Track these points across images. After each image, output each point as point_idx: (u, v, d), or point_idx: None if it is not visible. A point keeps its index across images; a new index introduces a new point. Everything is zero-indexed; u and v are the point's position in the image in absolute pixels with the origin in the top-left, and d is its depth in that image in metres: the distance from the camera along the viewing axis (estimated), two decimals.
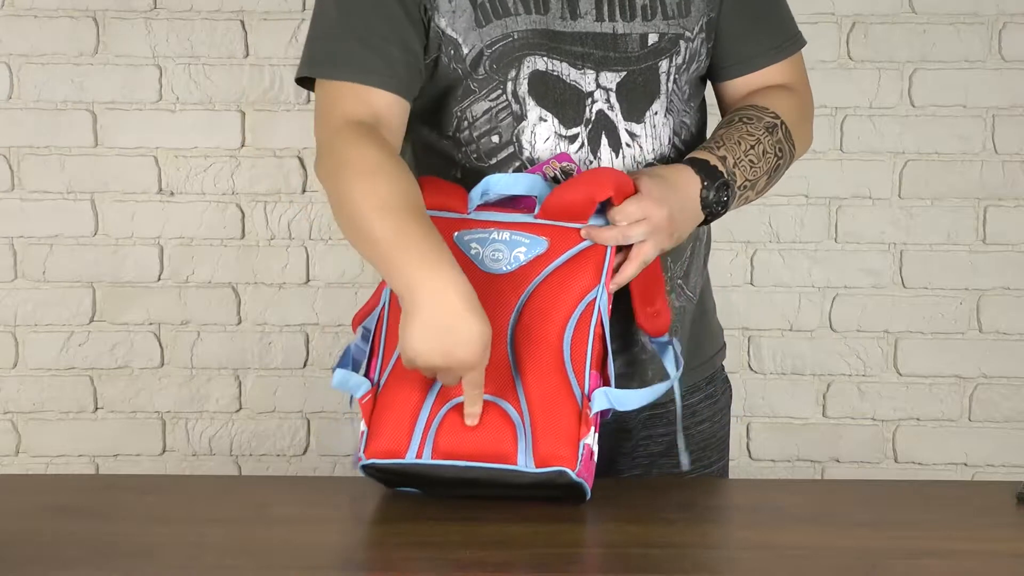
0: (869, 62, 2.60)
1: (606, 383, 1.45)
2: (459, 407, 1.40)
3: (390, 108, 1.52)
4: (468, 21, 1.54)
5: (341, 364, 1.48)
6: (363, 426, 1.43)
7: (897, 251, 2.64)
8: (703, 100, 1.69)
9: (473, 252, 1.46)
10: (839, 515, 1.45)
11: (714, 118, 1.69)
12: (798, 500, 1.52)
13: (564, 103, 1.56)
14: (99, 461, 2.70)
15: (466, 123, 1.57)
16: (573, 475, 1.39)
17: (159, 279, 2.65)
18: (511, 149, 1.57)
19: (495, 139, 1.57)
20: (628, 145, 1.58)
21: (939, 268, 2.64)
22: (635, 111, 1.58)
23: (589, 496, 1.43)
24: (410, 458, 1.40)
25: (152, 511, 1.46)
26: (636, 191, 1.47)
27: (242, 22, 2.59)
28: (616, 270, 1.47)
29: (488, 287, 1.43)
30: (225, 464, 2.70)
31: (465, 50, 1.55)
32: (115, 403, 2.68)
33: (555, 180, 1.53)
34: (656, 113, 1.59)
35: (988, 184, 2.62)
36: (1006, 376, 2.66)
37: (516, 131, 1.56)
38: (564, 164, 1.55)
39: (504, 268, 1.46)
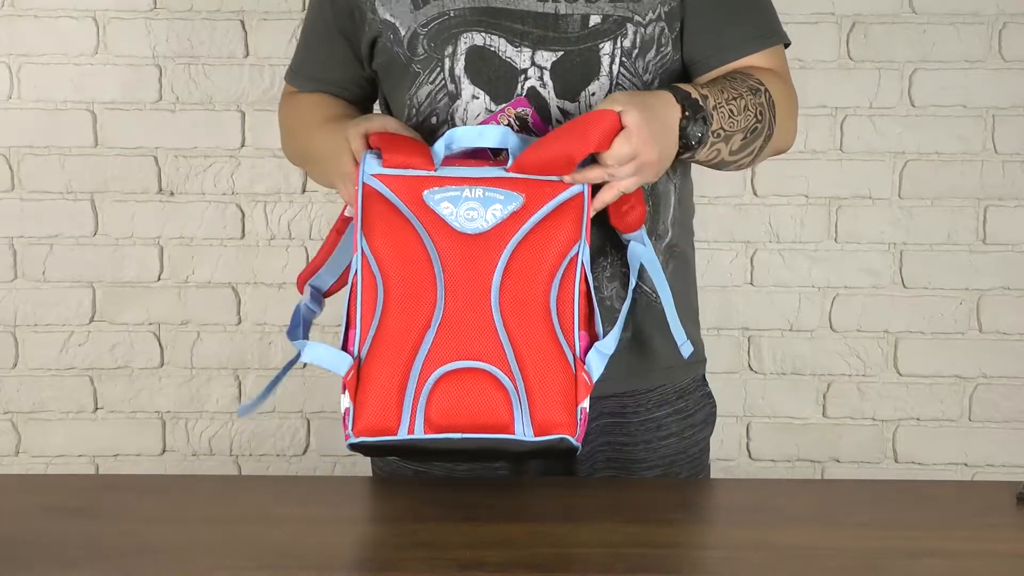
0: (869, 62, 2.60)
1: (593, 340, 1.41)
2: (448, 375, 1.37)
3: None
4: (405, 5, 1.58)
5: (292, 326, 1.45)
6: (347, 402, 1.39)
7: (897, 251, 2.64)
8: None
9: (446, 212, 1.41)
10: (839, 515, 1.45)
11: None
12: (798, 500, 1.52)
13: (497, 79, 1.56)
14: (99, 461, 2.70)
15: (414, 110, 1.60)
16: (573, 441, 1.38)
17: (159, 279, 2.65)
18: (446, 128, 1.57)
19: (433, 120, 1.58)
20: (559, 121, 1.56)
21: (939, 268, 2.64)
22: (569, 90, 1.57)
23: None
24: (402, 434, 1.37)
25: (152, 511, 1.46)
26: (622, 126, 1.40)
27: (242, 22, 2.59)
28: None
29: (465, 248, 1.40)
30: (225, 464, 2.70)
31: (402, 32, 1.58)
32: (115, 403, 2.68)
33: (510, 127, 1.51)
34: (594, 94, 1.57)
35: (988, 184, 2.62)
36: (1006, 376, 2.66)
37: (451, 110, 1.57)
38: (519, 110, 1.53)
39: (480, 227, 1.40)
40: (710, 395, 1.73)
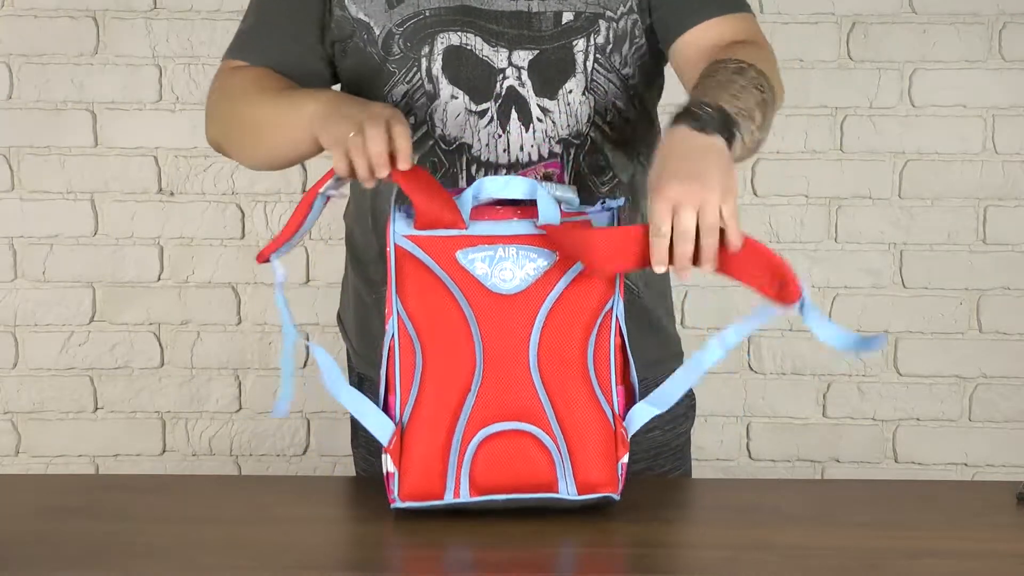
0: (869, 62, 2.60)
1: (629, 392, 1.42)
2: (491, 438, 1.37)
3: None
4: (379, 4, 1.57)
5: (287, 321, 1.48)
6: (391, 467, 1.39)
7: (897, 251, 2.64)
8: (657, 90, 1.67)
9: (480, 272, 1.39)
10: (839, 515, 1.45)
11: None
12: (798, 500, 1.52)
13: (475, 79, 1.56)
14: (99, 461, 2.70)
15: None
16: (616, 498, 1.39)
17: (159, 279, 2.65)
18: (424, 128, 1.57)
19: (411, 120, 1.57)
20: (539, 120, 1.57)
21: (939, 268, 2.64)
22: (548, 87, 1.57)
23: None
24: (448, 498, 1.37)
25: (152, 511, 1.46)
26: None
27: None
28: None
29: (501, 309, 1.39)
30: (225, 464, 2.70)
31: (376, 31, 1.57)
32: (115, 403, 2.68)
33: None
34: (571, 91, 1.58)
35: (988, 184, 2.62)
36: (1006, 376, 2.66)
37: (429, 110, 1.57)
38: (548, 170, 1.54)
39: (516, 287, 1.39)
40: (690, 391, 1.73)
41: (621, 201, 1.44)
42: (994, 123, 2.60)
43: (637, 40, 1.60)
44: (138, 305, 2.65)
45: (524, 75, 1.57)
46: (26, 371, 2.67)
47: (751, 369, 2.67)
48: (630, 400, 1.43)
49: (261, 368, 2.67)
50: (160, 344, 2.67)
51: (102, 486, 1.65)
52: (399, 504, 1.39)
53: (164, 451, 2.70)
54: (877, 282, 2.65)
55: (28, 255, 2.64)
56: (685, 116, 1.36)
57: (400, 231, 1.41)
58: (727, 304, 2.64)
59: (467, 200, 1.41)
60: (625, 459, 1.40)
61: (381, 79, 1.59)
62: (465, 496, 1.37)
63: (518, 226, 1.41)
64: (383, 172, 1.37)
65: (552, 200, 1.40)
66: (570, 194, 1.43)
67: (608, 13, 1.58)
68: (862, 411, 2.68)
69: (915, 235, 2.63)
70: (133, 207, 2.63)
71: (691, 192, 1.31)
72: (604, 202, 1.44)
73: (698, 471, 1.84)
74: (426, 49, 1.57)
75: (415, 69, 1.57)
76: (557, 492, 1.37)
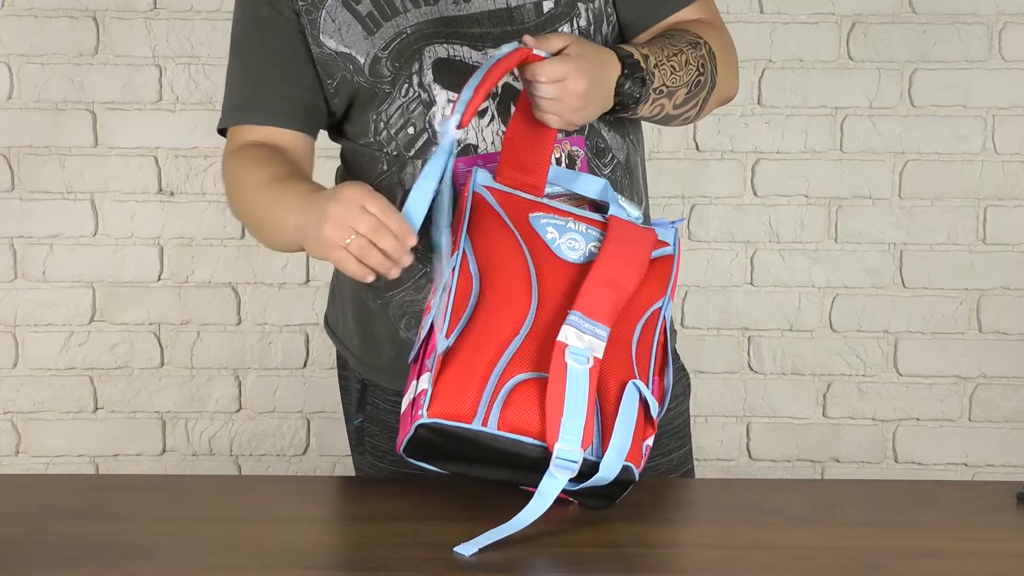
0: (869, 62, 2.60)
1: (662, 389, 1.44)
2: (529, 382, 1.36)
3: (287, 139, 1.60)
4: (357, 33, 1.57)
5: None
6: (425, 384, 1.37)
7: (897, 251, 2.64)
8: None
9: (549, 237, 1.44)
10: (839, 515, 1.45)
11: None
12: (798, 500, 1.52)
13: None
14: (99, 461, 2.70)
15: (383, 124, 1.59)
16: (636, 473, 1.38)
17: (159, 279, 2.65)
18: (425, 136, 1.57)
19: (410, 131, 1.58)
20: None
21: (939, 268, 2.64)
22: None
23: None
24: (476, 424, 1.35)
25: (152, 511, 1.46)
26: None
27: None
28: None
29: (562, 273, 1.42)
30: (225, 464, 2.70)
31: (361, 60, 1.57)
32: (115, 403, 2.68)
33: (559, 162, 1.54)
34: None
35: (988, 184, 2.62)
36: (1006, 376, 2.66)
37: (427, 117, 1.57)
38: (574, 148, 1.55)
39: (580, 258, 1.43)
40: (683, 368, 1.75)
41: (682, 220, 1.54)
42: (994, 123, 2.60)
43: (611, 18, 1.62)
44: (138, 305, 2.65)
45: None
46: (26, 371, 2.67)
47: (751, 369, 2.68)
48: (660, 400, 1.44)
49: (261, 368, 2.67)
50: (160, 344, 2.67)
51: (102, 486, 1.65)
52: (425, 420, 1.35)
53: (164, 451, 2.70)
54: (877, 282, 2.65)
55: (28, 255, 2.64)
56: (625, 60, 1.48)
57: (481, 181, 1.46)
58: (727, 304, 2.64)
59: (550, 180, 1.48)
60: (650, 441, 1.40)
61: (375, 102, 1.58)
62: (493, 427, 1.35)
63: (590, 213, 1.48)
64: (406, 261, 1.39)
65: (623, 207, 1.48)
66: (636, 212, 1.50)
67: None
68: (862, 411, 2.68)
69: (915, 235, 2.63)
70: (133, 207, 2.63)
71: (574, 101, 1.43)
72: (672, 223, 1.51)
73: (698, 471, 1.84)
74: (416, 66, 1.56)
75: (407, 84, 1.57)
76: (584, 451, 1.35)
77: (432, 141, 1.57)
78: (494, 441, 1.36)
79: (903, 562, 1.32)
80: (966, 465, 2.69)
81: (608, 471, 1.35)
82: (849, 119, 2.61)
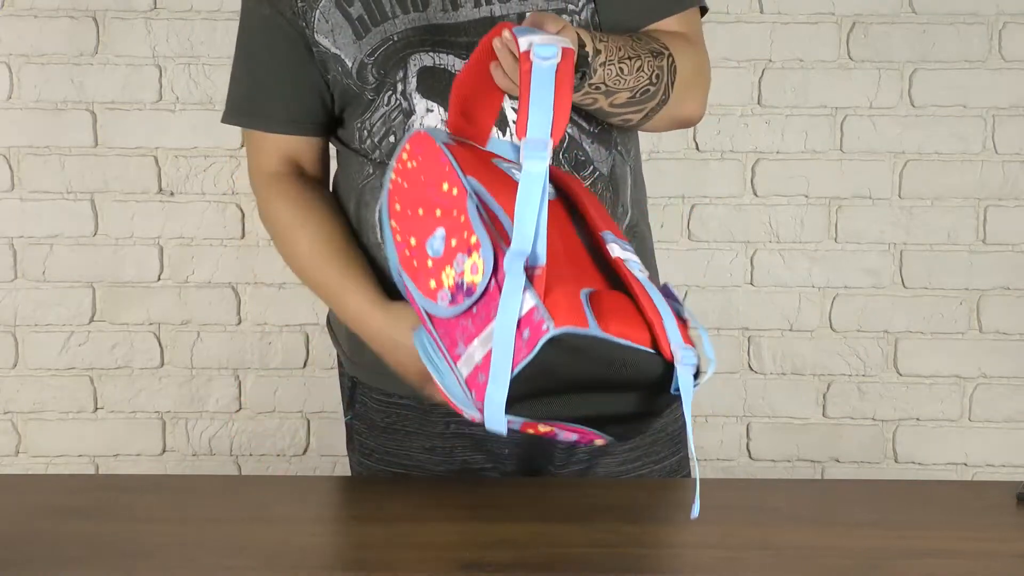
0: (869, 62, 2.60)
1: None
2: (607, 294, 1.31)
3: (300, 146, 1.65)
4: (347, 36, 1.57)
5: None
6: (533, 300, 1.27)
7: (897, 251, 2.64)
8: None
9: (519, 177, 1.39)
10: (839, 515, 1.45)
11: None
12: (798, 500, 1.52)
13: (449, 91, 1.54)
14: (99, 461, 2.70)
15: (367, 132, 1.60)
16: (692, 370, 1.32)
17: (159, 279, 2.65)
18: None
19: (391, 139, 1.59)
20: (515, 122, 1.54)
21: (939, 268, 2.64)
22: None
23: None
24: (593, 330, 1.27)
25: (152, 511, 1.46)
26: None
27: None
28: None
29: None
30: (225, 464, 2.70)
31: (348, 63, 1.58)
32: (115, 403, 2.68)
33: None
34: None
35: (988, 184, 2.62)
36: (1006, 376, 2.66)
37: (407, 126, 1.57)
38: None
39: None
40: None
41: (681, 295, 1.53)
42: (994, 123, 2.60)
43: (597, 29, 1.61)
44: (138, 305, 2.65)
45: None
46: (26, 371, 2.67)
47: (751, 369, 2.68)
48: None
49: (261, 368, 2.67)
50: (160, 344, 2.67)
51: (102, 486, 1.65)
52: (554, 332, 1.25)
53: (164, 451, 2.70)
54: (877, 282, 2.65)
55: (28, 255, 2.64)
56: (583, 44, 1.44)
57: (442, 140, 1.41)
58: (727, 304, 2.64)
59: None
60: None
61: (360, 107, 1.60)
62: (602, 332, 1.27)
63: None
64: None
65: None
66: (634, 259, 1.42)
67: (570, 7, 1.59)
68: (862, 411, 2.68)
69: (915, 235, 2.63)
70: (133, 207, 2.63)
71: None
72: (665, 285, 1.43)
73: (698, 471, 1.83)
74: (400, 73, 1.57)
75: (391, 92, 1.58)
76: (668, 354, 1.29)
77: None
78: (618, 351, 1.28)
79: (903, 562, 1.32)
80: (966, 465, 2.69)
81: (689, 359, 1.31)
82: (849, 119, 2.61)
